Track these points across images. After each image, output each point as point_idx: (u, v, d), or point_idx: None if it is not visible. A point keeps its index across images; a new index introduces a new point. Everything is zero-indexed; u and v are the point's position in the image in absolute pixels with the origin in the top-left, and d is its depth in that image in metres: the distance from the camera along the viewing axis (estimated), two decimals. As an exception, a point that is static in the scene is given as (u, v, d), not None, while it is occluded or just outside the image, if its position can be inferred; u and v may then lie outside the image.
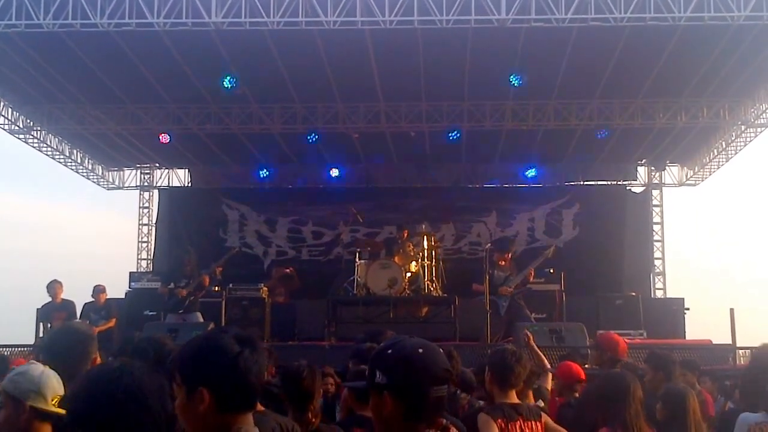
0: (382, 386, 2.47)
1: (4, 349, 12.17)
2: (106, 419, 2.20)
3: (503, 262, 13.73)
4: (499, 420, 4.93)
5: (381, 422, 2.51)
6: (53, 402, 3.41)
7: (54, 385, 3.49)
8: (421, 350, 2.49)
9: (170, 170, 22.86)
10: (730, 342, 12.96)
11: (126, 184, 23.05)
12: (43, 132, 18.56)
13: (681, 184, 22.28)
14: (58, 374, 3.90)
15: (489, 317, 12.98)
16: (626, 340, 14.05)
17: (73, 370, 3.88)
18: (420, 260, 15.63)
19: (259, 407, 4.34)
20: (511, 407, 5.09)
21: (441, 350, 2.54)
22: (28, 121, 17.86)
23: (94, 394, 2.24)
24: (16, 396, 3.41)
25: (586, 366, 11.25)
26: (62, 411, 3.40)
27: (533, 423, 5.05)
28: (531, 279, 13.84)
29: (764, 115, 17.03)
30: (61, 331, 4.47)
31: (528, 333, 8.20)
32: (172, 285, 14.01)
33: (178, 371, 2.48)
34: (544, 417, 5.19)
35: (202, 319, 13.75)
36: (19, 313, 16.59)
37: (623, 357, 6.74)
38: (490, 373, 5.31)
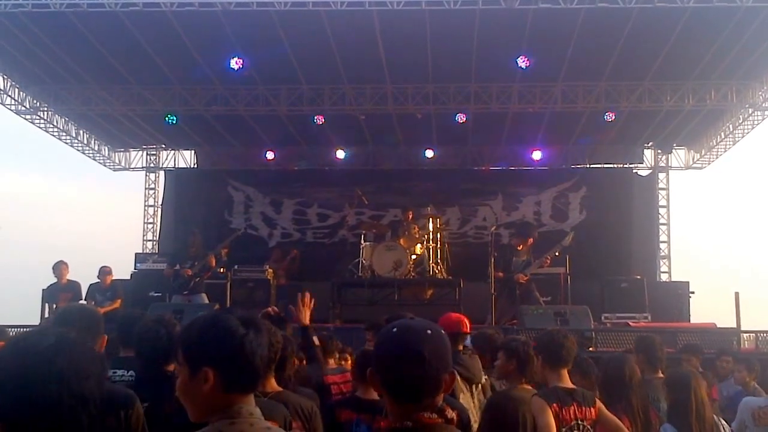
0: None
1: (10, 329, 12.21)
2: (28, 407, 1.86)
3: (521, 247, 13.68)
4: (554, 405, 4.91)
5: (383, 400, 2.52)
6: None
7: None
8: (395, 330, 2.45)
9: (176, 151, 22.89)
10: (734, 326, 12.99)
11: (132, 165, 23.09)
12: (50, 112, 18.59)
13: (688, 167, 22.24)
14: None
15: (494, 300, 13.01)
16: (631, 323, 14.18)
17: None
18: (425, 243, 15.66)
19: (276, 387, 4.37)
20: (565, 392, 5.06)
21: (428, 332, 2.44)
22: (35, 101, 17.87)
23: (16, 374, 1.87)
24: None
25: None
26: None
27: (587, 409, 5.02)
28: (547, 264, 13.82)
29: (772, 98, 17.00)
30: (70, 309, 4.49)
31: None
32: (177, 266, 14.08)
33: (181, 351, 2.49)
34: (598, 403, 5.16)
35: (207, 301, 13.83)
36: (24, 294, 16.66)
37: (466, 331, 6.53)
38: (540, 356, 5.31)
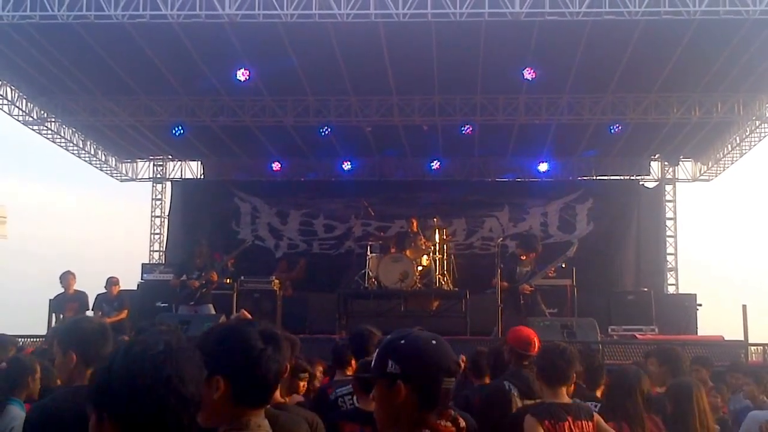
0: (395, 375, 2.51)
1: (18, 339, 12.22)
2: (139, 408, 2.03)
3: (525, 257, 13.64)
4: (546, 422, 4.85)
5: (390, 410, 2.55)
6: None
7: None
8: (434, 342, 2.57)
9: (183, 162, 22.91)
10: (742, 338, 12.93)
11: (139, 176, 23.12)
12: (57, 123, 18.64)
13: (694, 180, 22.21)
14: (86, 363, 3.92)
15: (500, 312, 12.98)
16: (638, 336, 14.14)
17: (90, 360, 3.91)
18: (431, 254, 15.64)
19: (279, 398, 4.34)
20: (559, 407, 4.98)
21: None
22: (42, 112, 17.92)
23: (131, 377, 2.05)
24: None
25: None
26: None
27: (583, 422, 4.94)
28: (551, 275, 13.78)
29: (778, 110, 16.99)
30: (78, 320, 4.51)
31: None
32: (184, 277, 14.08)
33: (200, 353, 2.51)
34: (596, 416, 5.08)
35: (213, 311, 13.83)
36: (32, 304, 16.68)
37: (533, 352, 6.47)
38: (537, 372, 5.26)
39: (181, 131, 18.12)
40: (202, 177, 22.88)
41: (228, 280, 14.93)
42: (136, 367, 2.06)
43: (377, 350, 2.66)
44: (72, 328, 4.14)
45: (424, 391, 2.51)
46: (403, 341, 2.58)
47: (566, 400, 5.11)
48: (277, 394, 4.30)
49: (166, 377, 2.05)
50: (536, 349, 6.18)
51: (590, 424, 4.98)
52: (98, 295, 14.65)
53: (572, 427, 4.86)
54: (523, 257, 13.61)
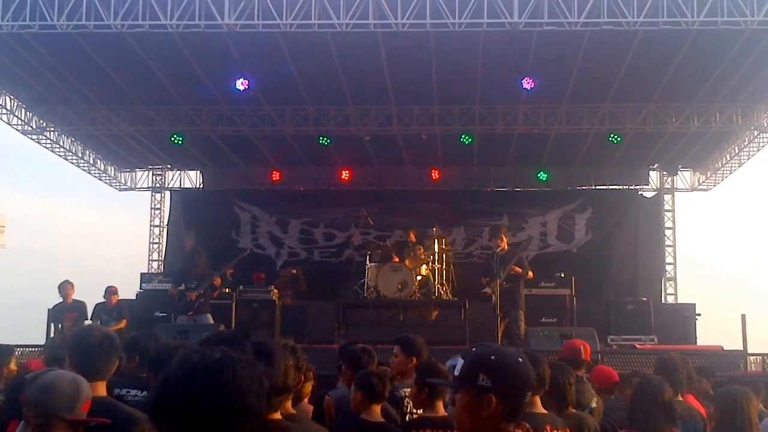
0: (486, 388, 2.71)
1: (16, 349, 12.18)
2: (195, 417, 2.02)
3: (498, 248, 13.68)
4: (524, 422, 4.86)
5: (475, 419, 2.74)
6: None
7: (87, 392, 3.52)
8: (520, 359, 2.82)
9: (182, 172, 22.90)
10: (741, 348, 12.92)
11: (138, 186, 23.12)
12: (56, 132, 18.64)
13: (693, 189, 22.22)
14: (83, 374, 3.91)
15: (499, 321, 12.97)
16: (638, 345, 14.13)
17: (96, 371, 3.91)
18: (430, 263, 15.63)
19: (291, 409, 4.30)
20: (537, 416, 5.00)
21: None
22: (41, 121, 17.93)
23: (187, 387, 2.05)
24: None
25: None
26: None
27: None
28: (518, 272, 13.73)
29: (777, 120, 17.00)
30: (85, 331, 4.51)
31: None
32: (182, 286, 14.05)
33: None
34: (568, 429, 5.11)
35: (212, 321, 13.78)
36: (30, 314, 16.65)
37: (587, 358, 7.08)
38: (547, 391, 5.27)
39: (180, 141, 17.66)
40: (201, 186, 22.87)
41: (227, 290, 14.90)
42: (192, 375, 2.06)
43: (465, 362, 2.81)
44: (73, 343, 4.14)
45: (512, 404, 2.74)
46: (493, 357, 2.78)
47: (542, 410, 5.09)
48: (288, 404, 4.28)
49: (223, 386, 2.04)
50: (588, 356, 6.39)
51: None
52: (97, 304, 14.63)
53: None
54: (498, 248, 13.63)
